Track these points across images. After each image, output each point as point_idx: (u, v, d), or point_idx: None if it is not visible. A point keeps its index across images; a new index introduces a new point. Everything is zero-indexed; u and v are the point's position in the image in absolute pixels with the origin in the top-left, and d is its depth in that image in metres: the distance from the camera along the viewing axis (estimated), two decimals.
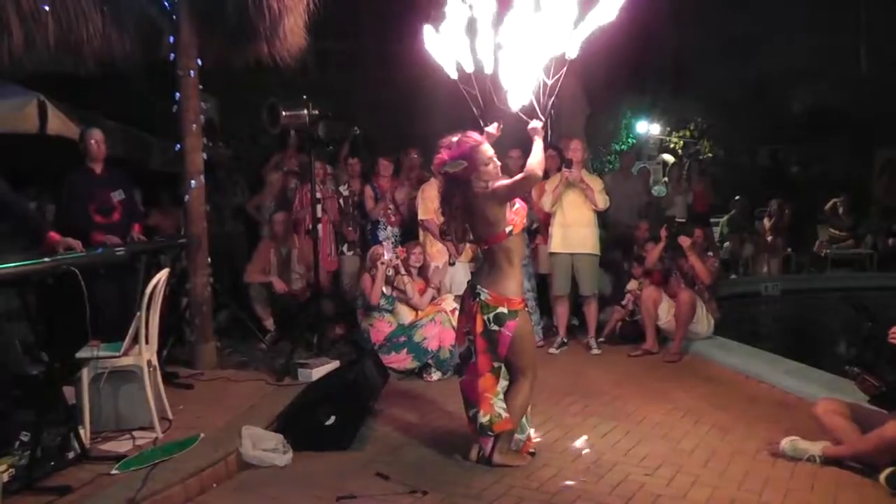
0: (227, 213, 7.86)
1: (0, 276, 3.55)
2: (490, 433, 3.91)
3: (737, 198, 11.89)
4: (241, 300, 7.11)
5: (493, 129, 4.01)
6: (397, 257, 6.32)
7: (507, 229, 3.85)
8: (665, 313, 6.62)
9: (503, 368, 3.99)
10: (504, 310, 3.83)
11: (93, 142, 5.65)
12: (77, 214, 5.57)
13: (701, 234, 7.38)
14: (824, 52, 13.72)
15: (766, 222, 11.37)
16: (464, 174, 3.85)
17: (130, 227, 5.80)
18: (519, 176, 3.87)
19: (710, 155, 14.09)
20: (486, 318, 3.86)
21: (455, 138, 3.91)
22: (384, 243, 6.73)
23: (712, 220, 10.96)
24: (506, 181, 3.88)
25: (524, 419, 4.07)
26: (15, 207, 4.41)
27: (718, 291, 7.29)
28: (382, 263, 6.19)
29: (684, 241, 6.62)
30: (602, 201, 6.71)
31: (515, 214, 3.94)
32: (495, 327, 3.84)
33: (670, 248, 6.73)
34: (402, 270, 6.32)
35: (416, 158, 7.70)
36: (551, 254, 6.88)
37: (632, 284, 7.11)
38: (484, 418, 3.89)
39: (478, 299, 3.88)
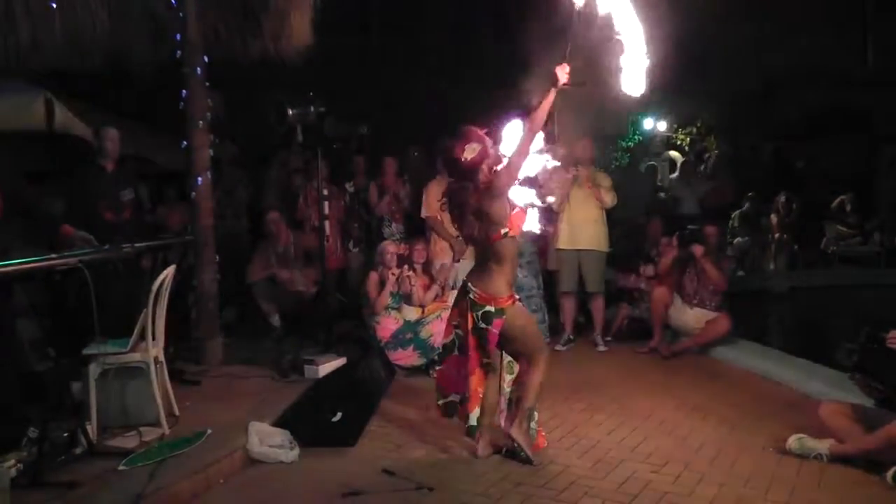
0: (230, 210, 7.86)
1: (7, 273, 3.56)
2: (478, 433, 4.01)
3: (750, 194, 11.81)
4: (245, 297, 7.10)
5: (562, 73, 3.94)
6: (409, 267, 6.32)
7: (503, 231, 3.87)
8: (676, 316, 6.58)
9: (511, 361, 4.11)
10: (491, 308, 3.89)
11: (109, 141, 5.64)
12: (88, 211, 5.57)
13: (714, 233, 7.26)
14: (830, 47, 13.62)
15: (774, 218, 11.30)
16: (479, 160, 3.87)
17: (139, 226, 5.80)
18: (521, 136, 3.88)
19: (715, 152, 14.03)
20: (475, 315, 3.93)
21: (462, 132, 3.95)
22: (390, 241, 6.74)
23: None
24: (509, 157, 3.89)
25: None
26: (34, 208, 4.43)
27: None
28: (393, 274, 6.20)
29: (698, 250, 6.47)
30: (610, 198, 6.71)
31: (515, 218, 3.97)
32: (483, 325, 3.92)
33: (682, 251, 6.67)
34: (408, 271, 6.33)
35: (416, 157, 7.71)
36: (558, 250, 6.88)
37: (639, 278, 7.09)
38: (473, 418, 3.98)
39: (468, 297, 3.97)
